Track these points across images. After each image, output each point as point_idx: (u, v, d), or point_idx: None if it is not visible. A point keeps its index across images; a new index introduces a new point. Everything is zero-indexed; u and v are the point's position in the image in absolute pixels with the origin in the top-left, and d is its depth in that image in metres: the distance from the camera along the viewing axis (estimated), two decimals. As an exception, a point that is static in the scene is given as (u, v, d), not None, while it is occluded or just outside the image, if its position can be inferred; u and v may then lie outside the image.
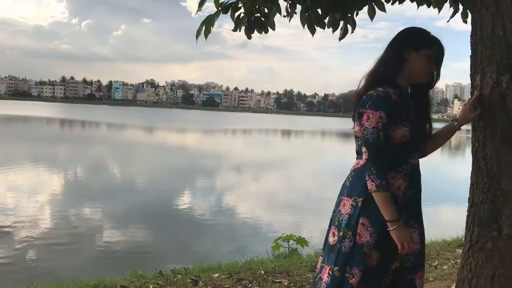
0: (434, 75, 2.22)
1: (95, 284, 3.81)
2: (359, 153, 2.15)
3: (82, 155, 21.60)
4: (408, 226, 2.10)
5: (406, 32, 2.21)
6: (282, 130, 58.22)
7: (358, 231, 2.05)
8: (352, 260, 2.05)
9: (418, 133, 2.15)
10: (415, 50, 2.13)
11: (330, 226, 2.22)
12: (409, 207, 2.11)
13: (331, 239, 2.16)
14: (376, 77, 2.15)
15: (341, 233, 2.10)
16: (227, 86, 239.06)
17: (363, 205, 2.06)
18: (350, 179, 2.17)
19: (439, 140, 2.32)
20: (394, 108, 2.06)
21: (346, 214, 2.11)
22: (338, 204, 2.18)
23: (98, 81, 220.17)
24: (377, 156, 2.02)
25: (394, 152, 2.07)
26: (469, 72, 2.28)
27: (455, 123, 2.26)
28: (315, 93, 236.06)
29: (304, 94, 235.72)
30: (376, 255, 2.05)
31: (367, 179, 2.02)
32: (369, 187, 2.02)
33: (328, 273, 2.12)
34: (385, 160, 2.02)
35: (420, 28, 2.20)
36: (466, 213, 2.31)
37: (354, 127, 2.17)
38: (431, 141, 2.29)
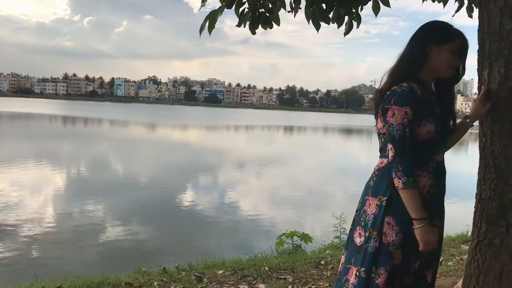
0: (459, 69, 2.17)
1: (100, 280, 3.81)
2: (382, 151, 2.11)
3: (85, 152, 21.64)
4: (432, 225, 2.05)
5: (427, 26, 2.16)
6: (284, 126, 58.20)
7: (384, 231, 2.02)
8: (378, 260, 2.02)
9: (443, 129, 2.11)
10: (437, 44, 2.08)
11: (355, 226, 2.18)
12: (433, 205, 2.06)
13: (358, 240, 2.12)
14: (399, 73, 2.12)
15: (367, 234, 2.07)
16: (229, 82, 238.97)
17: (388, 204, 2.03)
18: (374, 179, 2.13)
19: (453, 138, 2.27)
20: (419, 104, 2.02)
21: (371, 214, 2.07)
22: (363, 204, 2.14)
23: (100, 78, 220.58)
24: (403, 152, 1.98)
25: (420, 149, 2.02)
26: (475, 67, 2.25)
27: (468, 120, 2.22)
28: (318, 89, 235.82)
29: (307, 90, 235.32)
30: (400, 254, 2.02)
31: (393, 176, 1.99)
32: (396, 185, 1.98)
33: (355, 274, 2.09)
34: (411, 156, 1.98)
35: (442, 22, 2.15)
36: (473, 209, 2.30)
37: (377, 124, 2.14)
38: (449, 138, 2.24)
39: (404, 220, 1.99)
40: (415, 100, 2.01)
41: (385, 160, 2.08)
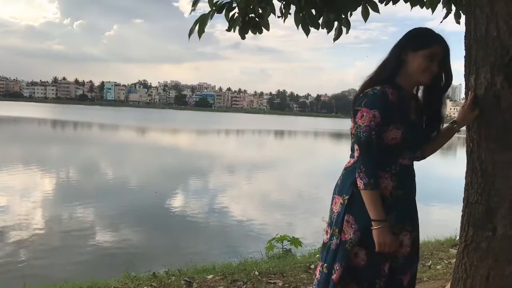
0: (443, 77, 2.18)
1: (89, 285, 3.79)
2: (352, 151, 2.15)
3: (74, 156, 21.48)
4: (400, 229, 2.11)
5: (407, 33, 2.19)
6: (275, 130, 58.24)
7: (343, 228, 2.09)
8: (337, 256, 2.09)
9: (415, 136, 2.12)
10: (412, 50, 2.11)
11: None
12: (399, 208, 2.10)
13: (325, 237, 2.21)
14: (375, 78, 2.15)
15: (331, 231, 2.15)
16: (220, 87, 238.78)
17: (349, 203, 2.09)
18: (341, 178, 2.19)
19: (438, 142, 2.30)
20: (389, 108, 2.05)
21: (336, 212, 2.15)
22: (331, 202, 2.21)
23: (90, 81, 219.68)
24: (367, 154, 2.03)
25: (384, 151, 2.06)
26: (462, 73, 2.29)
27: (455, 126, 2.24)
28: (308, 93, 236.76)
29: (297, 94, 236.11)
30: (364, 255, 2.06)
31: (357, 176, 2.04)
32: (358, 185, 2.03)
33: (320, 270, 2.18)
34: (375, 159, 2.03)
35: (423, 28, 2.17)
36: (460, 213, 2.32)
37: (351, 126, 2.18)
38: (431, 144, 2.27)
39: (363, 219, 2.04)
40: (385, 104, 2.04)
41: (352, 160, 2.14)
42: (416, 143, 2.16)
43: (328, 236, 2.16)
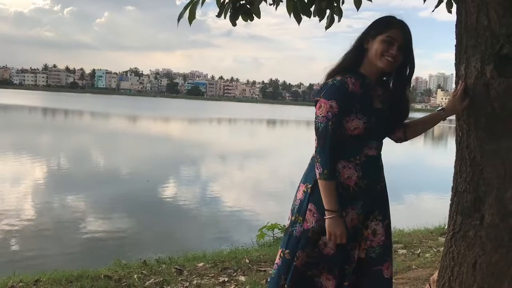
0: (406, 65, 2.15)
1: (79, 274, 3.77)
2: None
3: (65, 145, 21.34)
4: (369, 218, 2.14)
5: (371, 23, 2.18)
6: (267, 119, 58.20)
7: (306, 217, 2.11)
8: (300, 244, 2.11)
9: (378, 125, 2.11)
10: (372, 38, 2.11)
11: None
12: (364, 197, 2.11)
13: (287, 223, 2.24)
14: (338, 68, 2.16)
15: (293, 218, 2.18)
16: (212, 75, 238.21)
17: (311, 191, 2.12)
18: (308, 167, 2.23)
19: (422, 127, 2.32)
20: (349, 98, 2.05)
21: (298, 199, 2.18)
22: (296, 190, 2.24)
23: (81, 69, 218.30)
24: (323, 144, 2.05)
25: (348, 142, 2.07)
26: (453, 62, 2.28)
27: (442, 113, 2.24)
28: (300, 82, 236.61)
29: (289, 83, 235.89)
30: (333, 244, 2.08)
31: (315, 166, 2.07)
32: (316, 174, 2.07)
33: (280, 255, 2.20)
34: (331, 149, 2.04)
35: (383, 16, 2.16)
36: (450, 202, 2.34)
37: None
38: (414, 127, 2.28)
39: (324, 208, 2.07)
40: (344, 94, 2.05)
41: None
42: (381, 131, 2.16)
43: (290, 222, 2.20)
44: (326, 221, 2.04)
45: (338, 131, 2.04)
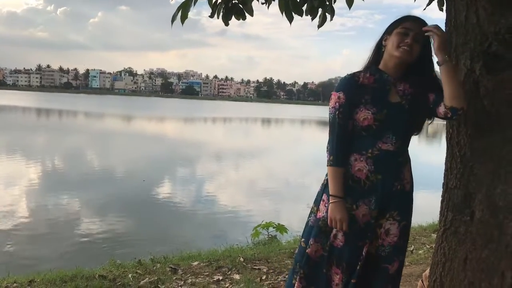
0: (424, 59, 2.10)
1: (73, 274, 3.77)
2: None
3: (60, 145, 21.27)
4: (385, 216, 2.12)
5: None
6: (262, 118, 58.20)
7: (319, 206, 2.20)
8: (312, 232, 2.19)
9: (393, 118, 2.08)
10: (388, 34, 2.14)
11: None
12: (378, 193, 2.09)
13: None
14: (364, 67, 2.21)
15: (312, 208, 2.26)
16: (207, 74, 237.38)
17: (326, 183, 2.19)
18: None
19: (447, 88, 2.03)
20: (358, 90, 2.11)
21: (319, 191, 2.26)
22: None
23: (75, 69, 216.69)
24: (332, 133, 2.14)
25: (361, 134, 2.10)
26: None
27: (440, 65, 2.05)
28: (295, 81, 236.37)
29: (284, 82, 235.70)
30: (341, 236, 2.11)
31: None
32: None
33: (299, 244, 2.29)
34: (338, 138, 2.11)
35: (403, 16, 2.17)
36: (441, 198, 2.36)
37: None
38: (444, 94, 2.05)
39: None
40: (352, 86, 2.12)
41: None
42: (399, 125, 2.10)
43: (310, 212, 2.28)
44: (330, 205, 2.09)
45: (349, 122, 2.10)
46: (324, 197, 2.17)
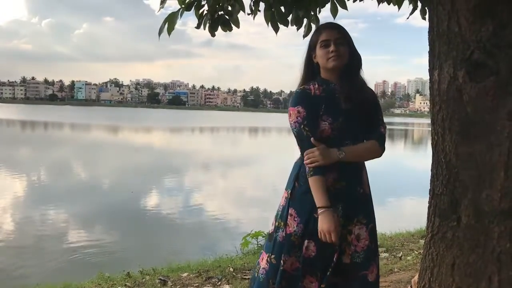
0: (351, 55, 2.21)
1: (62, 287, 3.74)
2: None
3: (47, 157, 21.04)
4: (353, 222, 2.16)
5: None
6: (249, 127, 58.26)
7: (288, 221, 2.18)
8: (284, 249, 2.16)
9: (348, 124, 2.15)
10: (314, 49, 2.24)
11: None
12: (345, 200, 2.15)
13: (270, 228, 2.29)
14: (303, 80, 2.28)
15: (276, 223, 2.24)
16: (193, 84, 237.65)
17: (291, 196, 2.19)
18: (290, 174, 2.30)
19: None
20: (314, 102, 2.15)
21: (281, 205, 2.25)
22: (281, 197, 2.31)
23: (60, 81, 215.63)
24: (303, 146, 2.15)
25: (325, 144, 2.13)
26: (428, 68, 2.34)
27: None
28: (281, 90, 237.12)
29: (270, 91, 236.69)
30: (313, 246, 2.13)
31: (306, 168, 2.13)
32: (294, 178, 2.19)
33: (267, 260, 2.23)
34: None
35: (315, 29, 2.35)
36: (428, 204, 2.39)
37: None
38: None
39: (304, 212, 2.14)
40: (308, 99, 2.16)
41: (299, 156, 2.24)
42: (354, 131, 2.18)
43: (273, 228, 2.25)
44: (319, 218, 2.07)
45: (316, 132, 2.13)
46: (291, 211, 2.17)
